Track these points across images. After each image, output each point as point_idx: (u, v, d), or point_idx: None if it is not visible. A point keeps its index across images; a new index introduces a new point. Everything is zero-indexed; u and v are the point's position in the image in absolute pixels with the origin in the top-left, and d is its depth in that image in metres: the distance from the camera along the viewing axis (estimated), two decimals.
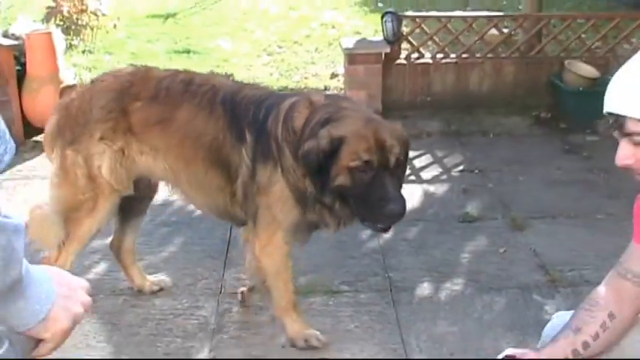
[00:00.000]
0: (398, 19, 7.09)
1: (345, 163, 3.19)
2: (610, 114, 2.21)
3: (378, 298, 4.12)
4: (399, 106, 7.11)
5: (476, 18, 7.54)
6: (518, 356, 2.50)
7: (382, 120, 3.42)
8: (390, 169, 3.23)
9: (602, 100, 2.25)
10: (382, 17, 7.15)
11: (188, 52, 9.09)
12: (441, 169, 6.07)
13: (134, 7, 11.36)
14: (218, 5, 11.87)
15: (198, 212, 5.14)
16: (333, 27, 10.36)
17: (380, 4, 11.67)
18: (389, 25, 7.02)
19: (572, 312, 2.70)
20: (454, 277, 4.38)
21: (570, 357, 2.47)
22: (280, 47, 9.45)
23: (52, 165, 3.82)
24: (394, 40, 7.11)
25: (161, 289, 4.17)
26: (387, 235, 4.81)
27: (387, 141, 3.22)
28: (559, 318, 2.76)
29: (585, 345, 2.47)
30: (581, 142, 6.59)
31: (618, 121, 2.18)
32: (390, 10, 7.26)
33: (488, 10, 9.62)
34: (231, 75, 4.27)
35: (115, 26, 9.30)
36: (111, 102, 3.68)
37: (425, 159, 6.20)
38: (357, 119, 3.30)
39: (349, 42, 7.28)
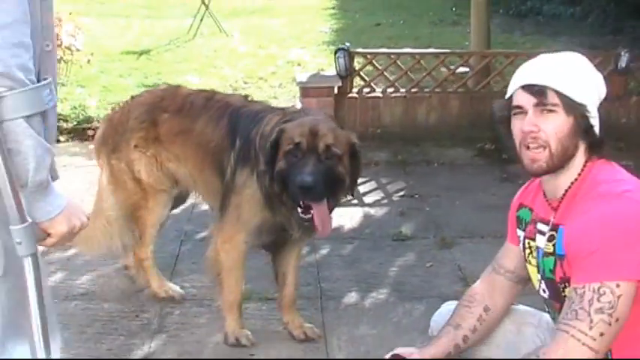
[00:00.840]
0: (350, 55, 7.59)
1: (283, 149, 3.60)
2: (531, 85, 2.51)
3: (307, 304, 4.52)
4: None
5: (424, 55, 8.05)
6: (405, 356, 2.83)
7: (333, 123, 3.76)
8: (319, 155, 3.56)
9: None
10: (335, 53, 7.65)
11: (157, 86, 9.51)
12: (383, 194, 6.53)
13: (111, 45, 11.81)
14: (191, 43, 12.34)
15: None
16: (299, 64, 10.83)
17: (347, 44, 12.13)
18: (341, 60, 7.53)
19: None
20: (380, 287, 4.80)
21: (452, 351, 2.84)
22: (246, 83, 9.90)
23: (102, 172, 4.40)
24: (346, 75, 7.60)
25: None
26: (324, 251, 5.27)
27: (321, 130, 3.58)
28: (447, 306, 3.17)
29: (465, 338, 2.86)
30: (519, 172, 6.86)
31: (540, 91, 2.49)
32: (342, 46, 7.74)
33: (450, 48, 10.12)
34: (249, 96, 4.80)
35: (88, 61, 9.72)
36: (144, 113, 4.25)
37: (369, 185, 6.64)
38: (307, 118, 3.71)
39: (303, 76, 7.79)
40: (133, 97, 4.49)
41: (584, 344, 2.37)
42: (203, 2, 12.98)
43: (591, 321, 2.37)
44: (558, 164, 2.55)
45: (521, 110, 2.55)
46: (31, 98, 2.00)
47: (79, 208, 2.21)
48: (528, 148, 2.54)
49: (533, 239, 2.75)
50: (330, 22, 14.88)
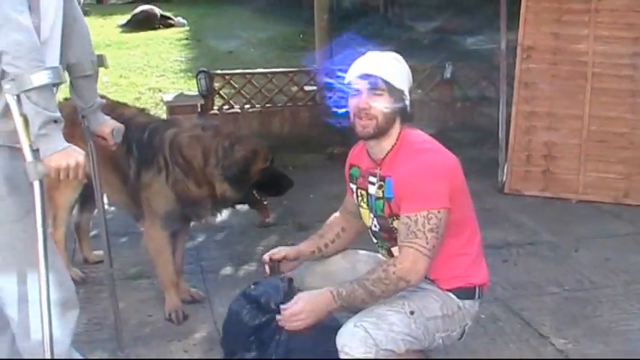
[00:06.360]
0: (210, 77, 8.54)
1: (259, 166, 4.61)
2: (367, 75, 3.43)
3: (191, 278, 5.35)
4: None
5: (275, 73, 9.08)
6: (275, 256, 3.76)
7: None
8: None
9: None
10: (197, 75, 8.59)
11: None
12: None
13: None
14: None
15: None
16: (160, 90, 11.68)
17: (203, 68, 12.98)
18: (202, 81, 8.48)
19: None
20: (250, 262, 5.78)
21: (315, 251, 3.83)
22: None
23: None
24: (207, 94, 8.54)
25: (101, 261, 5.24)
26: (200, 238, 6.17)
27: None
28: None
29: (326, 245, 3.87)
30: None
31: (373, 80, 3.42)
32: (202, 69, 8.68)
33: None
34: (145, 109, 5.82)
35: None
36: (69, 114, 4.66)
37: None
38: (248, 138, 4.74)
39: (170, 96, 8.71)
40: (66, 99, 5.09)
41: (424, 255, 3.34)
42: None
43: (427, 238, 3.34)
44: (381, 132, 3.53)
45: (358, 92, 3.52)
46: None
47: (77, 152, 3.13)
48: (361, 118, 3.50)
49: (366, 189, 3.74)
50: (184, 52, 15.64)
